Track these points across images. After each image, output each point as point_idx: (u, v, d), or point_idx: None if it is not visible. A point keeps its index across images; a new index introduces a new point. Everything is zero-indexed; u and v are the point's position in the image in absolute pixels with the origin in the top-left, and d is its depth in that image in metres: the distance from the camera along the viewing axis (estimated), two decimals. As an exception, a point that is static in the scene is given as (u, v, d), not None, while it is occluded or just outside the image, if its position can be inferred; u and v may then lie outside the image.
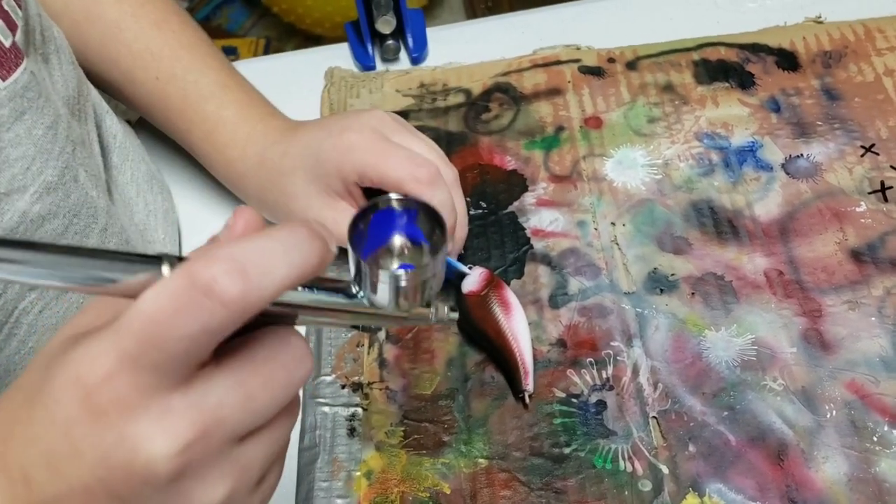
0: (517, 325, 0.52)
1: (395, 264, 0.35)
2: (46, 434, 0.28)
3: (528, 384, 0.51)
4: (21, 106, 0.42)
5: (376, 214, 0.36)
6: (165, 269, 0.27)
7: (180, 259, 0.28)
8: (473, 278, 0.54)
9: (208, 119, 0.58)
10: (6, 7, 0.43)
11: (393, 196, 0.36)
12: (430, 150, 0.54)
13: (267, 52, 1.91)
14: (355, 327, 0.55)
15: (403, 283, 0.34)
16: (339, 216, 0.53)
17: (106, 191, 0.50)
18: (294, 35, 2.08)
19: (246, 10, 2.14)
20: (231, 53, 1.89)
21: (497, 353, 0.52)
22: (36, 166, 0.43)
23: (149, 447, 0.26)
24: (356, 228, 0.35)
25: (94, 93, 0.57)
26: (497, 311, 0.52)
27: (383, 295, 0.34)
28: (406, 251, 0.36)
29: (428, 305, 0.39)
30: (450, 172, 0.54)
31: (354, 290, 0.34)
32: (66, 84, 0.49)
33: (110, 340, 0.27)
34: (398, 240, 0.36)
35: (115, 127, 0.58)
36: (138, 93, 0.59)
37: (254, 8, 2.12)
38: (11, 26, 0.43)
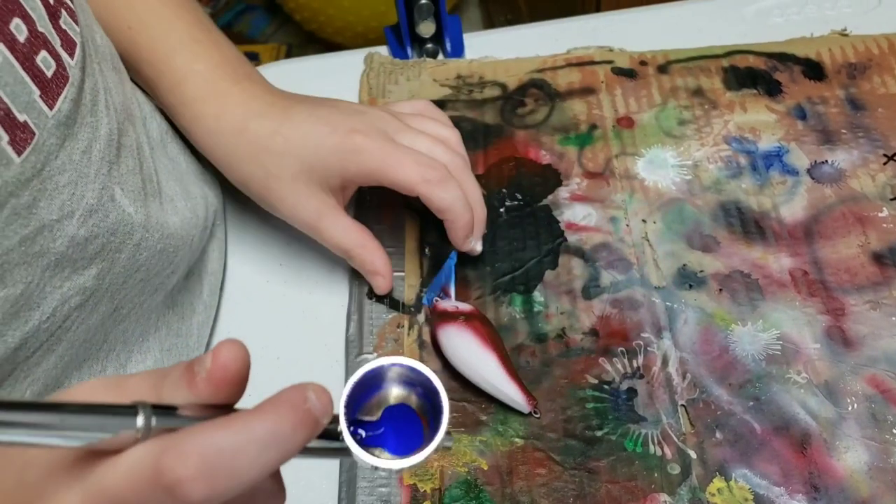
0: (481, 370, 0.52)
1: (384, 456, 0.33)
2: None
3: (527, 408, 0.52)
4: (64, 133, 0.43)
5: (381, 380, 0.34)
6: (140, 420, 0.27)
7: (155, 407, 0.27)
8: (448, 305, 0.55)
9: (177, 70, 0.56)
10: (64, 25, 0.44)
11: (395, 362, 0.34)
12: (434, 145, 0.55)
13: (288, 58, 1.94)
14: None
15: (384, 467, 0.32)
16: (323, 209, 0.55)
17: (144, 201, 0.51)
18: (314, 43, 2.10)
19: (267, 17, 2.16)
20: (253, 59, 1.89)
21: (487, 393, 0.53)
22: (79, 191, 0.44)
23: None
24: (355, 393, 0.33)
25: (140, 94, 0.58)
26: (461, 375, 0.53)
27: (362, 463, 0.32)
28: (425, 402, 0.34)
29: None
30: (458, 160, 0.56)
31: (341, 440, 0.32)
32: (116, 91, 0.50)
33: (75, 495, 0.27)
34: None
35: (163, 124, 0.59)
36: (113, 40, 0.57)
37: (275, 15, 2.14)
38: (69, 45, 0.44)
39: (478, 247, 0.58)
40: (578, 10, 1.31)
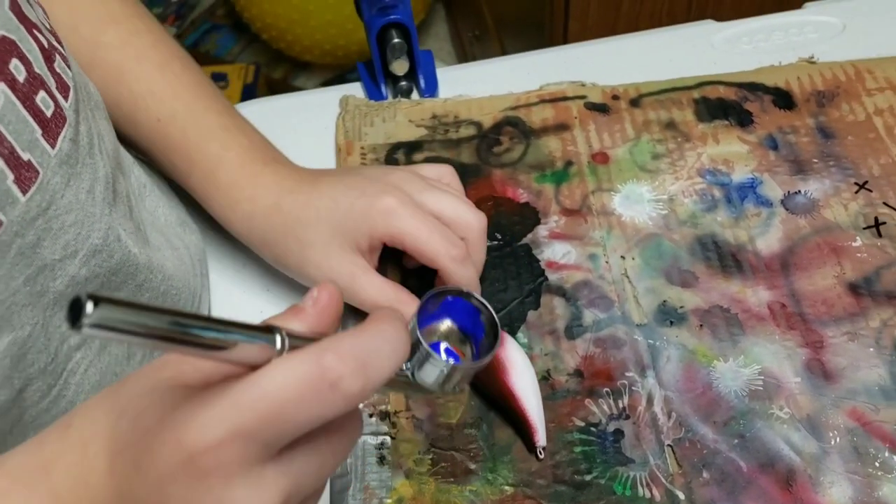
0: (521, 382, 0.53)
1: (443, 353, 0.39)
2: (132, 488, 0.30)
3: (539, 440, 0.52)
4: (67, 172, 0.43)
5: (450, 300, 0.40)
6: (278, 341, 0.29)
7: (290, 335, 0.30)
8: None
9: (210, 159, 0.58)
10: (58, 69, 0.44)
11: (468, 292, 0.41)
12: (457, 205, 0.55)
13: (257, 78, 1.93)
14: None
15: (453, 373, 0.38)
16: (357, 270, 0.55)
17: (146, 243, 0.52)
18: (283, 61, 2.10)
19: (234, 36, 2.15)
20: (220, 80, 1.90)
21: (505, 412, 0.54)
22: (84, 231, 0.44)
23: None
24: (427, 304, 0.39)
25: (121, 147, 0.58)
26: (500, 370, 0.54)
27: (430, 376, 0.38)
28: (458, 340, 0.41)
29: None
30: (478, 221, 0.56)
31: (404, 365, 0.37)
32: (109, 138, 0.51)
33: (225, 412, 0.28)
34: (451, 326, 0.41)
35: (143, 176, 0.59)
36: (140, 134, 0.60)
37: (242, 34, 2.13)
38: (63, 88, 0.44)
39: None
40: (545, 25, 1.32)
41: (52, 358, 0.45)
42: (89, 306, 0.23)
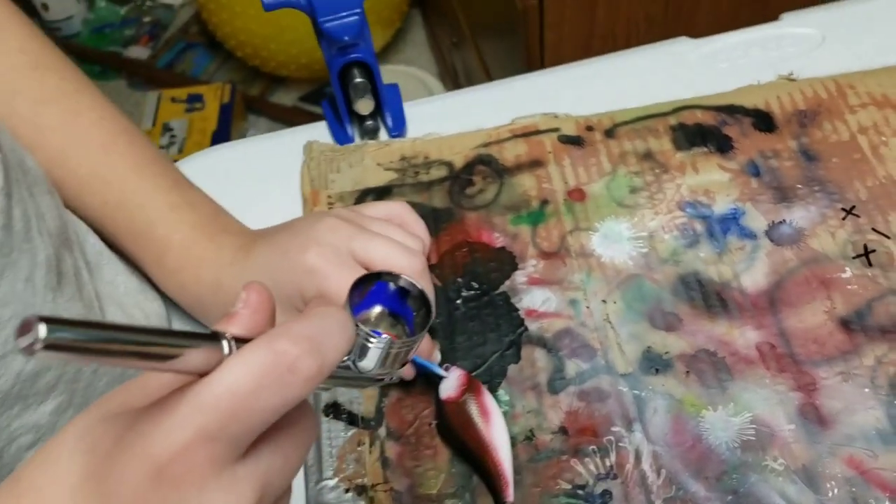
0: (496, 433, 0.52)
1: (384, 337, 0.40)
2: None
3: (509, 496, 0.51)
4: (1, 262, 0.41)
5: (378, 286, 0.42)
6: (225, 345, 0.29)
7: (235, 339, 0.30)
8: (451, 382, 0.54)
9: (157, 244, 0.57)
10: None
11: (396, 275, 0.43)
12: (390, 249, 0.53)
13: (233, 96, 1.90)
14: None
15: (394, 350, 0.40)
16: None
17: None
18: (259, 78, 2.07)
19: (209, 54, 2.13)
20: (197, 101, 1.87)
21: (477, 462, 0.52)
22: None
23: None
24: (355, 293, 0.40)
25: (73, 216, 0.56)
26: (476, 419, 0.52)
27: (371, 359, 0.40)
28: (389, 325, 0.42)
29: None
30: (410, 267, 0.53)
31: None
32: (51, 215, 0.48)
33: (187, 415, 0.28)
34: (382, 311, 0.43)
35: (98, 244, 0.57)
36: (87, 216, 0.58)
37: (218, 52, 2.11)
38: None
39: None
40: (521, 33, 1.30)
41: None
42: (41, 329, 0.23)
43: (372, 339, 0.39)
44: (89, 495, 0.29)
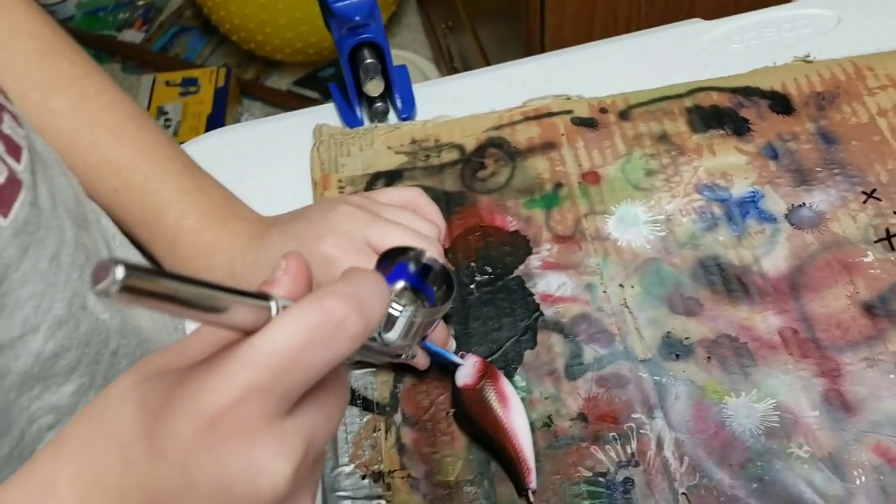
0: (515, 419, 0.51)
1: (410, 305, 0.41)
2: (152, 474, 0.28)
3: (532, 481, 0.50)
4: (25, 241, 0.40)
5: (399, 264, 0.43)
6: (273, 305, 0.29)
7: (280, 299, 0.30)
8: (467, 370, 0.52)
9: (168, 230, 0.56)
10: (6, 130, 0.41)
11: (419, 251, 0.44)
12: (406, 237, 0.52)
13: (228, 80, 1.88)
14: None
15: (417, 320, 0.41)
16: None
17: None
18: (254, 62, 2.05)
19: (204, 37, 2.10)
20: (192, 84, 1.85)
21: (497, 449, 0.51)
22: (45, 302, 0.41)
23: (273, 470, 0.28)
24: (382, 264, 0.42)
25: (86, 197, 0.55)
26: (494, 405, 0.51)
27: (395, 331, 0.41)
28: (411, 300, 0.44)
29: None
30: (434, 250, 0.52)
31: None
32: (66, 196, 0.47)
33: (238, 370, 0.28)
34: (405, 286, 0.44)
35: (111, 227, 0.56)
36: (98, 203, 0.57)
37: (212, 36, 2.08)
38: (14, 150, 0.41)
39: None
40: (521, 16, 1.28)
41: (17, 442, 0.41)
42: (119, 271, 0.24)
43: (398, 309, 0.40)
44: (141, 450, 0.29)
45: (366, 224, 0.52)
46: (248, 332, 0.29)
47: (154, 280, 0.26)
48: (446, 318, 0.57)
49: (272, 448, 0.29)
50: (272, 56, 1.97)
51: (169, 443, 0.28)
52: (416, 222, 0.54)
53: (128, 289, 0.24)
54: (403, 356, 0.46)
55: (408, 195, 0.57)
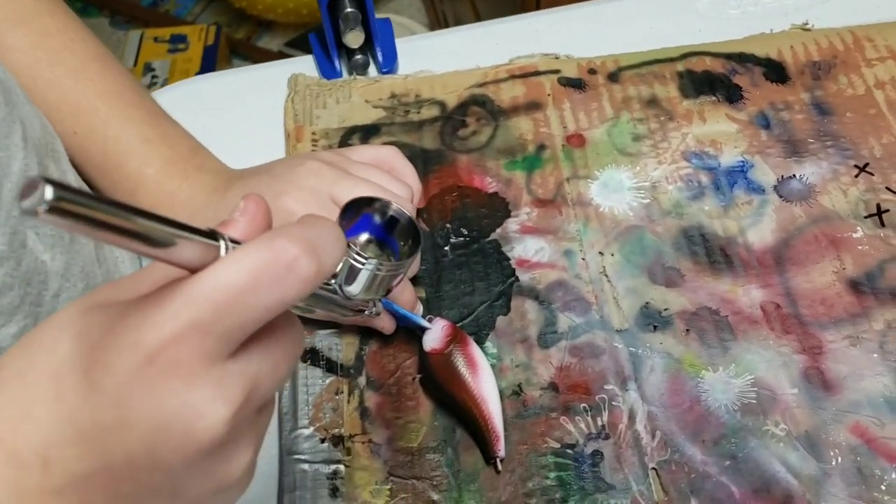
0: (484, 385, 0.49)
1: (373, 257, 0.39)
2: (85, 407, 0.27)
3: (500, 449, 0.48)
4: None
5: (364, 216, 0.41)
6: (222, 244, 0.28)
7: (232, 241, 0.29)
8: (435, 334, 0.50)
9: (129, 178, 0.54)
10: None
11: (385, 201, 0.41)
12: (372, 192, 0.50)
13: (217, 39, 1.84)
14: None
15: (381, 273, 0.39)
16: None
17: (68, 246, 0.46)
18: (245, 21, 2.01)
19: (195, -6, 2.06)
20: (181, 41, 1.82)
21: (465, 415, 0.49)
22: None
23: (210, 412, 0.27)
24: (343, 220, 0.39)
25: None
26: (462, 370, 0.49)
27: (358, 283, 0.39)
28: (379, 253, 0.41)
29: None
30: (405, 191, 0.52)
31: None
32: (35, 124, 0.45)
33: (180, 306, 0.27)
34: (369, 238, 0.42)
35: (71, 169, 0.53)
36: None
37: (203, -8, 2.04)
38: None
39: None
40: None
41: None
42: (48, 191, 0.22)
43: (360, 260, 0.38)
44: (76, 382, 0.27)
45: (333, 181, 0.49)
46: (195, 271, 0.28)
47: (88, 204, 0.24)
48: (417, 280, 0.55)
49: (210, 390, 0.27)
50: (264, 15, 1.93)
51: (105, 377, 0.27)
52: (387, 182, 0.51)
53: (57, 210, 0.23)
54: (367, 312, 0.44)
55: (382, 153, 0.55)
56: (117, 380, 0.27)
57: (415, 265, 0.53)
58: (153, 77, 1.80)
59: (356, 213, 0.40)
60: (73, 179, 0.50)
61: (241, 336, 0.28)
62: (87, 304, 0.29)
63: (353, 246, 0.38)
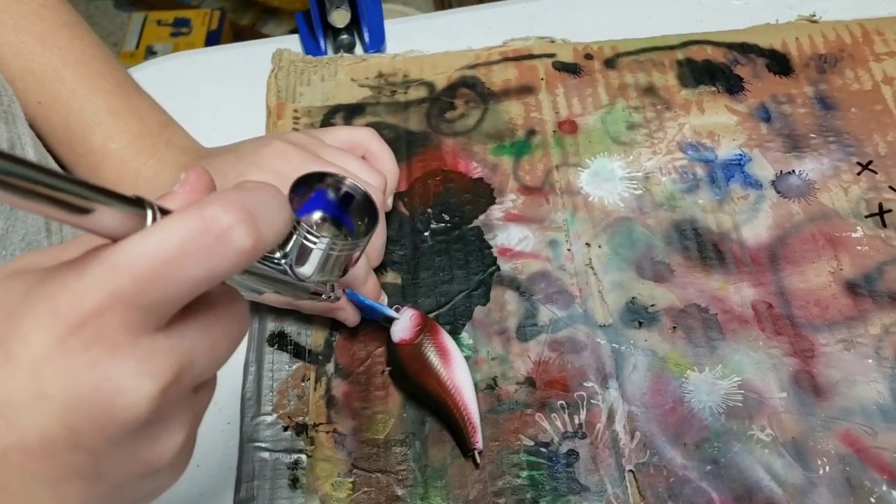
0: (458, 375, 0.46)
1: (326, 235, 0.36)
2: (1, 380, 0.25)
3: (478, 441, 0.45)
4: None
5: (318, 192, 0.38)
6: (149, 213, 0.26)
7: (163, 210, 0.27)
8: (403, 323, 0.48)
9: (93, 152, 0.52)
10: None
11: (340, 177, 0.38)
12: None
13: (221, 24, 1.82)
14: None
15: (335, 253, 0.36)
16: None
17: (9, 212, 0.44)
18: (250, 7, 1.99)
19: (202, -23, 2.04)
20: (184, 25, 1.80)
21: (439, 408, 0.46)
22: None
23: (133, 387, 0.25)
24: (294, 197, 0.36)
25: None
26: (434, 360, 0.46)
27: (311, 263, 0.36)
28: (335, 232, 0.38)
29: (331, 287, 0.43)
30: (377, 179, 0.49)
31: (278, 255, 0.35)
32: None
33: (101, 276, 0.25)
34: (323, 216, 0.39)
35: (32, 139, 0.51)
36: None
37: (209, -23, 2.02)
38: None
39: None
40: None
41: None
42: None
43: (312, 239, 0.35)
44: None
45: (299, 164, 0.47)
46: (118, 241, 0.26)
47: None
48: (393, 266, 0.53)
49: (135, 363, 0.25)
50: (269, 1, 1.91)
51: (20, 348, 0.25)
52: (357, 167, 0.49)
53: None
54: (324, 296, 0.41)
55: (358, 136, 0.52)
56: (33, 352, 0.25)
57: (379, 251, 0.50)
58: (155, 60, 1.78)
59: (309, 188, 0.38)
60: (30, 145, 0.48)
61: (168, 309, 0.26)
62: (7, 271, 0.27)
63: (304, 224, 0.35)
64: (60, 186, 0.23)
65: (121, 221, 0.25)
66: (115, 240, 0.26)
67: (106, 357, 0.25)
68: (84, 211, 0.24)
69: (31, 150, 0.49)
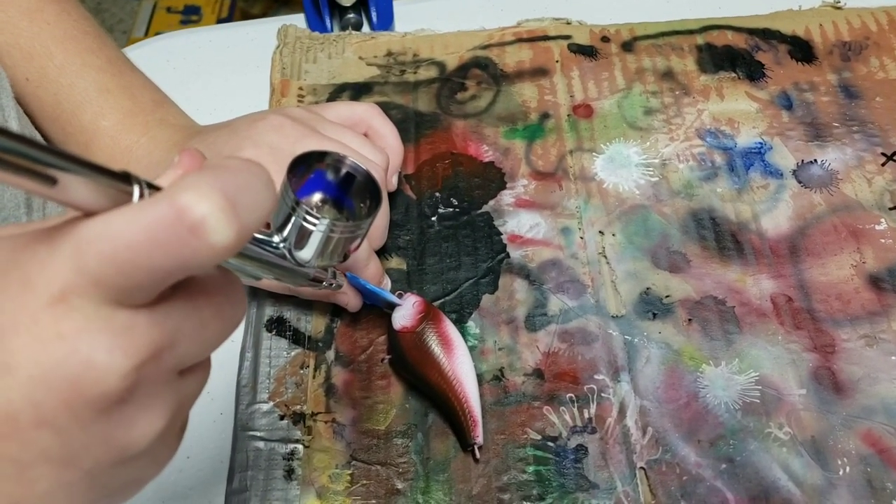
0: (460, 366, 0.44)
1: (327, 216, 0.34)
2: None
3: (478, 435, 0.44)
4: None
5: (318, 172, 0.36)
6: (136, 190, 0.24)
7: (151, 186, 0.25)
8: (406, 310, 0.46)
9: (84, 130, 0.50)
10: None
11: (341, 156, 0.36)
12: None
13: (232, 12, 1.80)
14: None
15: (335, 235, 0.34)
16: None
17: None
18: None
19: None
20: (194, 13, 1.78)
21: (439, 398, 0.45)
22: None
23: (104, 362, 0.24)
24: (293, 178, 0.34)
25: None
26: (436, 349, 0.45)
27: (310, 246, 0.34)
28: (336, 215, 0.36)
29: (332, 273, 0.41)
30: (379, 157, 0.47)
31: (276, 239, 0.34)
32: None
33: (67, 250, 0.24)
34: (323, 198, 0.36)
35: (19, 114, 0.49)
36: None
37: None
38: None
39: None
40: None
41: None
42: None
43: (312, 220, 0.33)
44: None
45: (296, 139, 0.45)
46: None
47: None
48: (399, 252, 0.51)
49: (108, 338, 0.24)
50: (281, -13, 1.89)
51: None
52: (359, 144, 0.47)
53: None
54: (325, 283, 0.40)
55: (359, 111, 0.50)
56: (0, 321, 0.23)
57: (382, 231, 0.49)
58: (163, 44, 1.76)
59: (308, 168, 0.36)
60: (14, 118, 0.46)
61: (143, 293, 0.24)
62: None
63: (303, 205, 0.33)
64: (21, 151, 0.22)
65: (98, 196, 0.24)
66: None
67: (76, 329, 0.24)
68: (50, 180, 0.23)
69: (14, 123, 0.47)
